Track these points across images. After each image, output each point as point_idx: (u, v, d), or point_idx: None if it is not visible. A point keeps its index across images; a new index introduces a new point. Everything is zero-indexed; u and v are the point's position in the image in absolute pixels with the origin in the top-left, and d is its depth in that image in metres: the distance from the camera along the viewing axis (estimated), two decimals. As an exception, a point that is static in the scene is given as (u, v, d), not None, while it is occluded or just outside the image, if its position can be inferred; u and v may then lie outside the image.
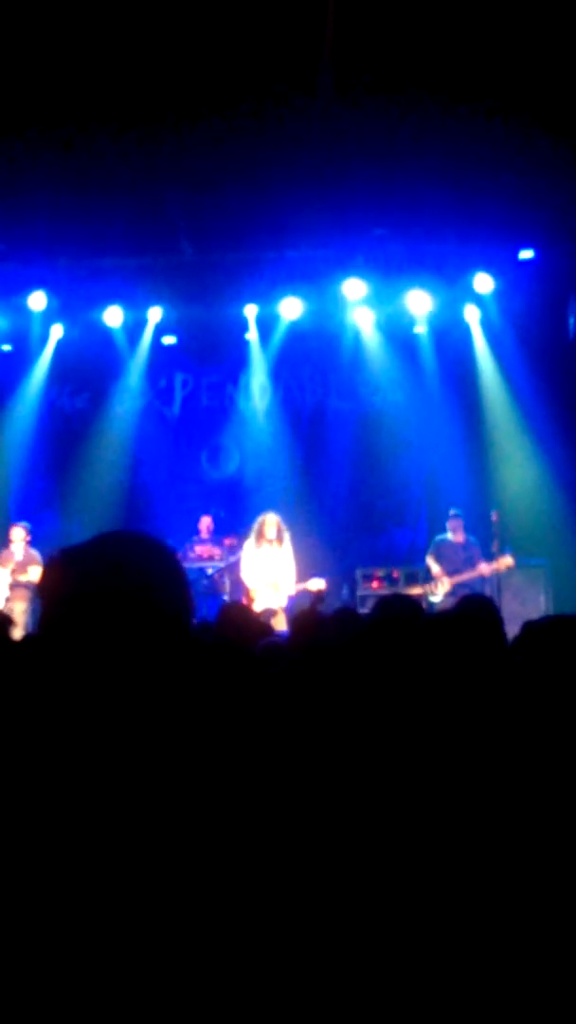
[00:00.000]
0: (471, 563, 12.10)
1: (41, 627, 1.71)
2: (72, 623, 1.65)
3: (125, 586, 1.67)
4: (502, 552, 11.95)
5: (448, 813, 2.29)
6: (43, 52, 9.38)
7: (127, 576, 1.69)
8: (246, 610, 7.69)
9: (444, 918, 2.10)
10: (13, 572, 12.29)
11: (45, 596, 1.71)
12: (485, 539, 12.17)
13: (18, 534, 12.56)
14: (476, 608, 4.68)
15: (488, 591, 11.63)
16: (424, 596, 12.15)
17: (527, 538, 12.54)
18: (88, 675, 1.63)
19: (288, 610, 11.52)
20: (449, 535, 12.39)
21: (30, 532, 12.61)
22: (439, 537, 12.54)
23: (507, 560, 11.89)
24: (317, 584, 11.71)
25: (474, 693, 2.85)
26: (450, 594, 11.80)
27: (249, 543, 11.91)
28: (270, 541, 11.76)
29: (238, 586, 12.37)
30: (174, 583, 1.74)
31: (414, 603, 4.07)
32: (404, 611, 3.59)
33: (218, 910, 1.60)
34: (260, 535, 11.80)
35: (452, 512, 12.44)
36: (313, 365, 14.80)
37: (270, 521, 11.86)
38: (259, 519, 11.96)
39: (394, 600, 4.03)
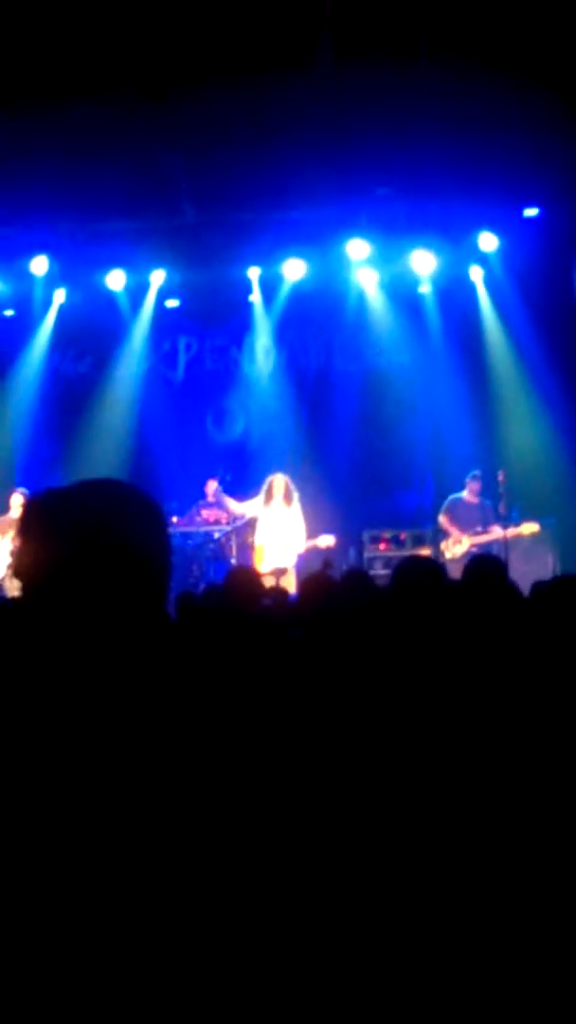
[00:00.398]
0: (484, 524, 12.14)
1: (16, 569, 1.69)
2: (48, 568, 1.63)
3: (102, 532, 1.65)
4: (509, 513, 11.96)
5: (473, 785, 2.29)
6: (43, 17, 9.29)
7: (105, 522, 1.67)
8: (253, 573, 7.69)
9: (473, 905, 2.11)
10: (14, 539, 12.28)
11: (23, 536, 1.69)
12: (493, 500, 12.17)
13: (17, 500, 12.55)
14: (486, 568, 4.68)
15: (496, 551, 11.62)
16: (440, 554, 12.20)
17: (534, 498, 12.53)
18: (62, 629, 1.61)
19: (298, 568, 11.58)
20: (465, 495, 12.42)
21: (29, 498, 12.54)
22: (453, 496, 12.56)
23: (531, 526, 11.93)
24: (327, 540, 11.76)
25: (490, 656, 2.84)
26: (467, 554, 11.83)
27: (258, 503, 11.95)
28: (279, 500, 11.81)
29: (245, 549, 12.40)
30: (153, 532, 1.72)
31: (434, 565, 4.05)
32: (425, 574, 3.58)
33: (213, 894, 1.58)
34: (269, 495, 11.85)
35: (474, 473, 12.45)
36: (317, 326, 14.73)
37: (279, 481, 11.90)
38: (268, 479, 12.00)
39: (413, 563, 4.03)
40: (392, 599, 3.27)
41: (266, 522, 11.82)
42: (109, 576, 1.63)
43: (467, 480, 12.47)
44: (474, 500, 12.37)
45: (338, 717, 2.60)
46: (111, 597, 1.62)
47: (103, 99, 10.54)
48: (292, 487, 11.95)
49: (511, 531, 11.87)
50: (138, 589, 1.65)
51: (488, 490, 12.30)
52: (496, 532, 11.97)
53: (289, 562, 11.66)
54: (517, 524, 12.00)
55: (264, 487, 12.00)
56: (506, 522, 11.94)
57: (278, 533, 11.74)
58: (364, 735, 2.48)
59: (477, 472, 12.44)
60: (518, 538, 11.98)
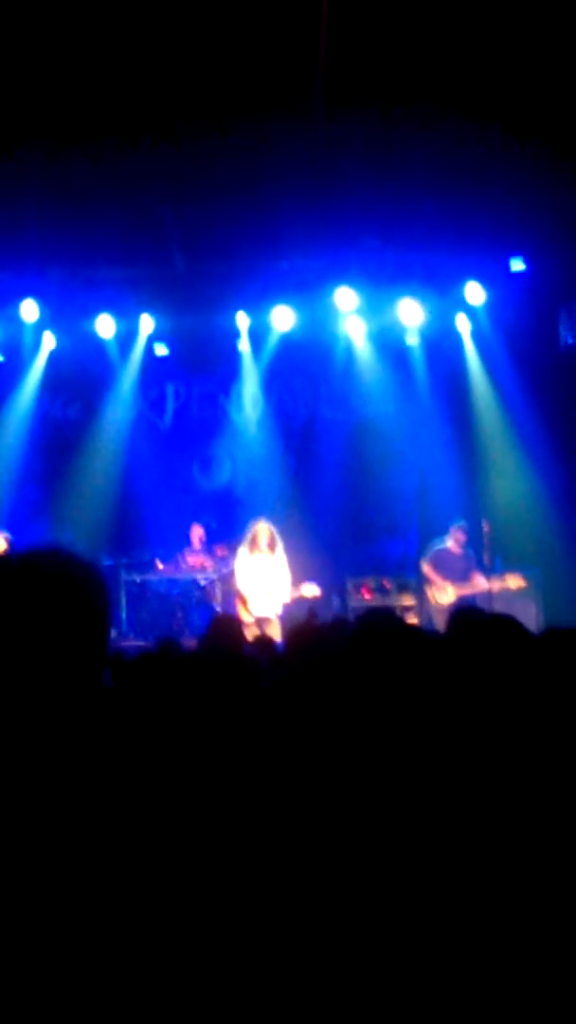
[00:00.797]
0: (468, 573, 12.11)
1: None
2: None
3: (40, 604, 1.70)
4: (494, 564, 11.97)
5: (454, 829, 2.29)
6: (37, 65, 9.40)
7: (45, 595, 1.72)
8: (237, 622, 7.70)
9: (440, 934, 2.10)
10: None
11: None
12: (477, 549, 12.17)
13: (0, 544, 12.49)
14: (471, 618, 4.68)
15: (479, 601, 11.63)
16: (424, 602, 12.18)
17: (518, 548, 12.56)
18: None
19: (283, 618, 11.54)
20: (449, 544, 12.36)
21: (11, 542, 12.52)
22: (437, 545, 12.50)
23: (518, 580, 11.92)
24: (311, 590, 11.74)
25: (479, 705, 2.85)
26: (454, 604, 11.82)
27: (242, 551, 11.91)
28: (263, 549, 11.77)
29: (230, 596, 12.37)
30: (90, 606, 1.76)
31: (394, 616, 4.09)
32: (383, 625, 3.60)
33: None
34: (253, 543, 11.81)
35: (459, 523, 12.39)
36: (305, 375, 14.80)
37: (263, 529, 11.86)
38: (251, 526, 11.96)
39: (373, 615, 4.04)
40: (350, 651, 3.28)
41: (250, 570, 11.79)
42: (43, 643, 1.67)
43: (451, 529, 12.40)
44: (458, 550, 12.33)
45: (313, 766, 2.61)
46: (43, 664, 1.67)
47: (95, 146, 10.64)
48: (276, 534, 11.92)
49: (496, 583, 11.87)
50: (72, 657, 1.69)
51: (472, 540, 12.28)
52: (481, 583, 11.95)
53: (274, 611, 11.63)
54: (501, 576, 11.98)
55: (247, 534, 11.96)
56: (490, 572, 11.94)
57: (262, 581, 11.70)
58: (337, 782, 2.49)
59: (462, 522, 12.40)
60: (503, 590, 11.97)
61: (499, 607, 11.39)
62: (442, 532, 12.60)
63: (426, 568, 12.45)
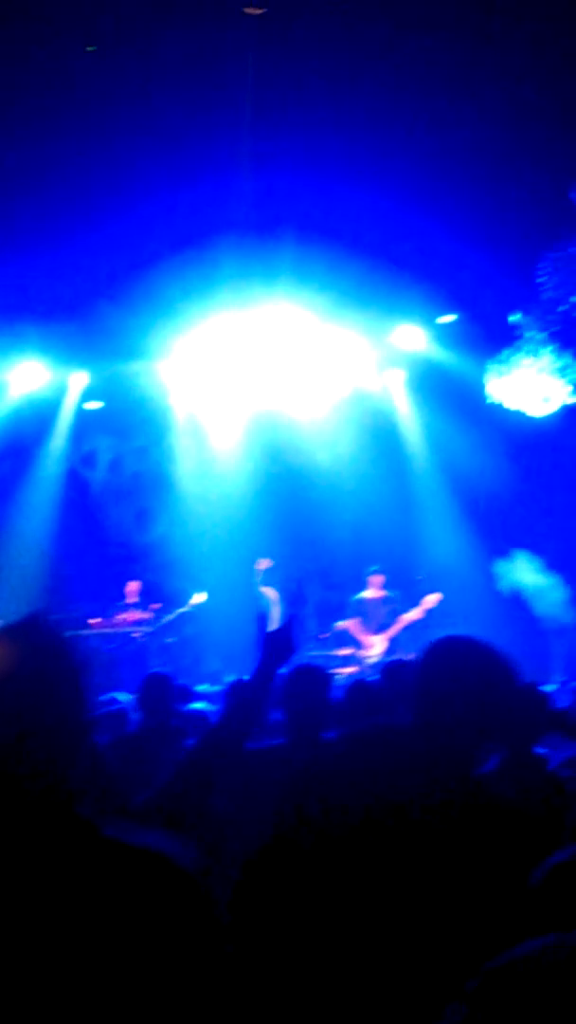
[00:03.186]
0: (394, 616, 12.09)
1: None
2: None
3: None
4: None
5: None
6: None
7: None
8: (166, 680, 7.58)
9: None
10: None
11: None
12: (413, 599, 12.15)
13: None
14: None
15: (414, 656, 11.52)
16: (357, 659, 12.11)
17: (453, 598, 12.56)
18: None
19: None
20: (367, 593, 12.37)
21: None
22: (356, 598, 12.50)
23: (432, 597, 11.90)
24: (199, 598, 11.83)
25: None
26: (386, 652, 11.78)
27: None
28: None
29: (165, 651, 12.25)
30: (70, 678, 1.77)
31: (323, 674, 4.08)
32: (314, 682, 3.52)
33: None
34: None
35: (372, 569, 12.44)
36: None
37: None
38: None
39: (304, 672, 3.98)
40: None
41: None
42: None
43: (367, 578, 12.45)
44: (378, 595, 12.32)
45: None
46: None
47: (22, 193, 10.59)
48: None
49: (410, 614, 11.87)
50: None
51: (410, 590, 12.26)
52: (405, 618, 11.94)
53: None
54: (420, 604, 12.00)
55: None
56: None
57: None
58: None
59: (376, 567, 12.46)
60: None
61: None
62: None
63: (351, 625, 12.39)
